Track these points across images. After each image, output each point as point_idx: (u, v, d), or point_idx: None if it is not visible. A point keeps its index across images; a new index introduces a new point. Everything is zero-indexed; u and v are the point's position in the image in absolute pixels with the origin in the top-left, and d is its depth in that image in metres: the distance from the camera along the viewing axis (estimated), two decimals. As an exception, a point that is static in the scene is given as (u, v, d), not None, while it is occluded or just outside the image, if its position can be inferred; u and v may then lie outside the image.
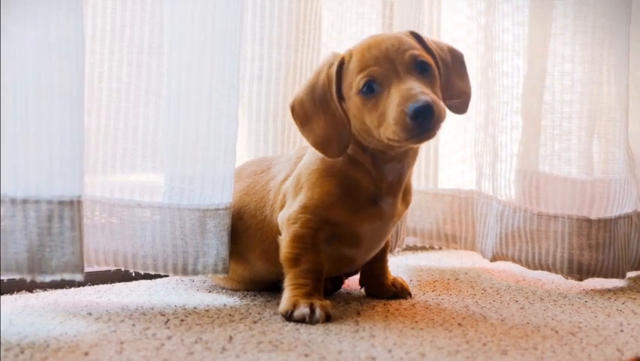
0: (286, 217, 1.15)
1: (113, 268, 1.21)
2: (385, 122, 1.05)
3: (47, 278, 1.02)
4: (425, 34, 1.59)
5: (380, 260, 1.27)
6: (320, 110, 1.12)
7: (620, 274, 1.45)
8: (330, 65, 1.12)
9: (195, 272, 1.19)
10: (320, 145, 1.13)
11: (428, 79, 1.09)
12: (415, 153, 1.17)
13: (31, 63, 1.01)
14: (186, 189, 1.19)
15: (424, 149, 1.67)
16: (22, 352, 0.90)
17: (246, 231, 1.22)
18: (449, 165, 1.73)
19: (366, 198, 1.14)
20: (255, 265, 1.23)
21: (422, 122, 1.02)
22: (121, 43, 1.20)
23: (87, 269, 1.31)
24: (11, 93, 1.00)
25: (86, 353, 0.90)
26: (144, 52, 1.21)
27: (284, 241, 1.14)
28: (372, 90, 1.07)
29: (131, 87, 1.21)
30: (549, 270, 1.45)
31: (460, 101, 1.17)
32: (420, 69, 1.08)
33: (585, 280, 1.45)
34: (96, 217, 1.19)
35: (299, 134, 1.45)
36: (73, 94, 1.03)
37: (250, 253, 1.23)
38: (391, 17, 1.54)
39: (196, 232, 1.19)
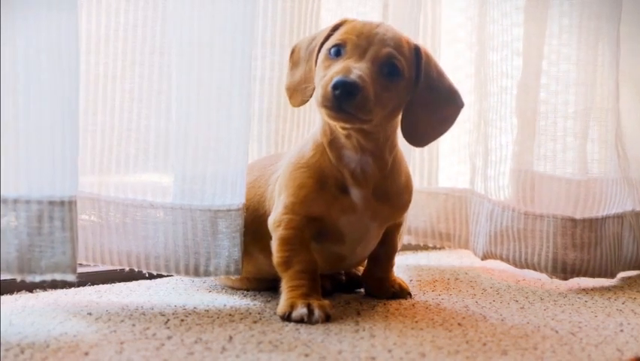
0: (272, 221, 1.16)
1: (126, 268, 1.22)
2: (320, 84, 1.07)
3: (37, 278, 1.02)
4: (422, 33, 1.60)
5: (383, 262, 1.27)
6: (306, 59, 1.16)
7: (609, 274, 1.45)
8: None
9: (207, 273, 1.19)
10: (289, 90, 1.19)
11: (388, 83, 1.08)
12: (375, 150, 1.14)
13: (20, 63, 1.01)
14: (197, 190, 1.19)
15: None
16: (22, 352, 0.90)
17: (251, 224, 1.22)
18: (450, 165, 1.73)
19: (335, 186, 1.14)
20: (258, 258, 1.23)
21: (338, 97, 1.03)
22: (133, 43, 1.21)
23: (88, 269, 1.31)
24: (1, 94, 1.00)
25: (86, 353, 0.90)
26: (156, 52, 1.21)
27: (274, 246, 1.15)
28: (337, 53, 1.09)
29: (144, 88, 1.21)
30: (535, 269, 1.45)
31: (420, 138, 1.17)
32: (387, 70, 1.08)
33: (579, 280, 1.46)
34: (110, 217, 1.19)
35: (293, 135, 1.46)
36: (65, 94, 1.03)
37: (254, 246, 1.23)
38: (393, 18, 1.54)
39: (207, 233, 1.19)
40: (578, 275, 1.43)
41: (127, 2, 1.20)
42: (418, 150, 1.65)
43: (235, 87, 1.18)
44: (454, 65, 1.69)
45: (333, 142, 1.14)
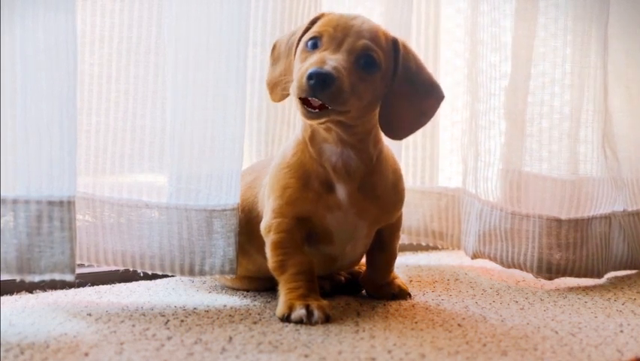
0: (263, 227, 1.16)
1: (121, 268, 1.22)
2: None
3: (36, 278, 1.02)
4: (417, 32, 1.60)
5: (382, 269, 1.27)
6: (286, 54, 1.17)
7: (596, 274, 1.45)
8: None
9: (202, 273, 1.20)
10: (269, 85, 1.19)
11: (364, 75, 1.07)
12: (357, 143, 1.13)
13: (19, 63, 1.01)
14: (193, 190, 1.20)
15: (412, 146, 1.66)
16: (22, 352, 0.90)
17: (247, 224, 1.22)
18: (449, 165, 1.73)
19: (319, 182, 1.14)
20: (256, 258, 1.24)
21: (313, 87, 1.02)
22: (128, 43, 1.21)
23: (88, 269, 1.31)
24: (0, 94, 1.00)
25: (86, 354, 0.90)
26: (151, 52, 1.21)
27: (267, 251, 1.15)
28: (314, 46, 1.09)
29: (139, 88, 1.21)
30: (521, 268, 1.46)
31: (398, 130, 1.15)
32: (364, 62, 1.08)
33: (578, 281, 1.46)
34: (105, 217, 1.20)
35: (283, 134, 1.46)
36: (63, 94, 1.03)
37: (250, 246, 1.23)
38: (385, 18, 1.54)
39: (203, 232, 1.19)
40: (563, 275, 1.44)
41: (122, 2, 1.20)
42: (411, 148, 1.66)
43: (230, 87, 1.19)
44: (453, 65, 1.69)
45: (313, 136, 1.14)
